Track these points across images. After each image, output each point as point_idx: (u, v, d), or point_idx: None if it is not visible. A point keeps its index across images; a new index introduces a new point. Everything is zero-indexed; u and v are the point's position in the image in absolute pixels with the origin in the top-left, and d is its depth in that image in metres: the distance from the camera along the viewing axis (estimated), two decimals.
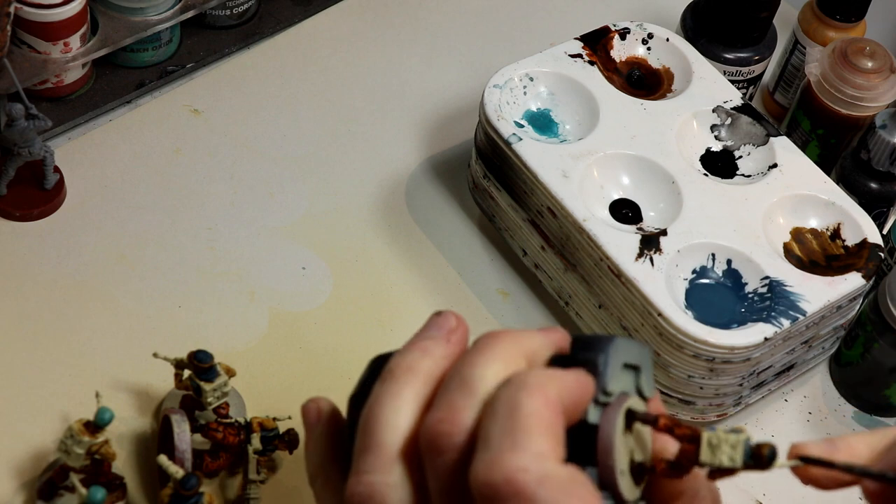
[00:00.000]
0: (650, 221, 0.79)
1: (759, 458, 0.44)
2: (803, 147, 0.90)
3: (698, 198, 0.79)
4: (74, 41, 0.84)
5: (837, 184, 0.83)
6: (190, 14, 0.89)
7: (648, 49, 0.87)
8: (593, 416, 0.45)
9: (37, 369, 0.75)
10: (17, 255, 0.80)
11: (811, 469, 0.46)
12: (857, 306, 0.79)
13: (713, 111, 0.84)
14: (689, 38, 0.91)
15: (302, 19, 0.98)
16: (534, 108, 0.83)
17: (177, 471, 0.64)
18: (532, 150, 0.79)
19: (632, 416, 0.46)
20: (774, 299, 0.74)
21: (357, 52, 0.97)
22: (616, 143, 0.81)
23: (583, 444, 0.44)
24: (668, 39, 0.87)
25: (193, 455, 0.69)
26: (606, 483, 0.44)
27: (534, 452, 0.41)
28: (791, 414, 0.82)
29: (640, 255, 0.75)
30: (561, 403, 0.43)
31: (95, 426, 0.65)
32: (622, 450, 0.45)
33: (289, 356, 0.78)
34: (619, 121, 0.82)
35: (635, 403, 0.46)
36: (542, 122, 0.83)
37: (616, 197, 0.80)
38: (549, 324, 0.83)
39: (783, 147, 0.82)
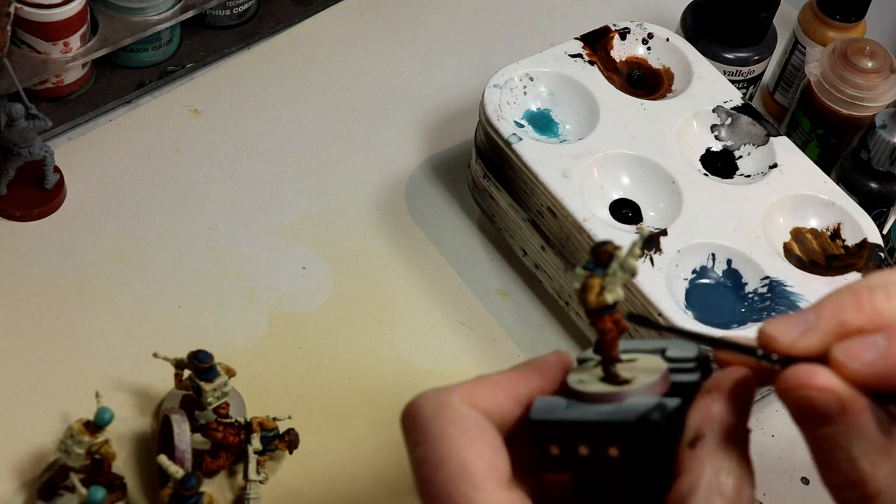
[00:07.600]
0: (650, 221, 0.79)
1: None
2: (803, 147, 0.90)
3: (698, 198, 0.79)
4: (74, 41, 0.84)
5: (837, 184, 0.83)
6: (190, 14, 0.89)
7: (648, 49, 0.87)
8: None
9: (37, 369, 0.75)
10: (17, 255, 0.80)
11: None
12: None
13: (713, 111, 0.84)
14: (689, 38, 0.91)
15: (302, 19, 0.98)
16: (534, 108, 0.83)
17: (177, 471, 0.64)
18: (532, 150, 0.79)
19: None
20: (774, 299, 0.74)
21: (357, 52, 0.97)
22: (616, 143, 0.81)
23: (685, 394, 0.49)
24: (668, 39, 0.87)
25: (193, 455, 0.69)
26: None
27: (447, 389, 0.50)
28: None
29: (640, 254, 0.75)
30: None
31: (95, 426, 0.65)
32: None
33: (289, 356, 0.78)
34: (619, 121, 0.82)
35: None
36: (542, 122, 0.83)
37: (616, 197, 0.80)
38: (549, 324, 0.83)
39: (783, 147, 0.82)
